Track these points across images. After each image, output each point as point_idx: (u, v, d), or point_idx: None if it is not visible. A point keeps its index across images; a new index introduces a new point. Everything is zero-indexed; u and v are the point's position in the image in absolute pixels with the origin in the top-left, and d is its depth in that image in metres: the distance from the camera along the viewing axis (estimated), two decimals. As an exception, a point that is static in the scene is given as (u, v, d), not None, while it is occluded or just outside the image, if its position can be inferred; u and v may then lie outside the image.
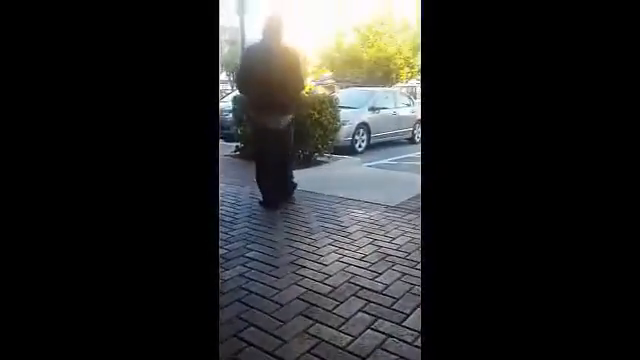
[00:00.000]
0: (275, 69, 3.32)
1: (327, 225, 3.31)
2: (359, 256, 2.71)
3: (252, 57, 3.51)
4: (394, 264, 2.58)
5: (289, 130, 3.59)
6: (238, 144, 6.48)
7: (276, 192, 3.66)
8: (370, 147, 7.72)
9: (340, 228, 3.24)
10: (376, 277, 2.41)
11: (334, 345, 1.76)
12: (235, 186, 4.52)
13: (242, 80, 3.59)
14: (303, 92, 3.82)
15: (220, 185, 4.55)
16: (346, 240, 2.99)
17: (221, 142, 7.24)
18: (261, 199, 3.74)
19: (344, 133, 6.89)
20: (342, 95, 7.70)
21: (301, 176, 5.15)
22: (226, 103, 8.60)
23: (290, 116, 3.54)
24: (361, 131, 7.62)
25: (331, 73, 22.14)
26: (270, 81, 3.29)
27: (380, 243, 2.94)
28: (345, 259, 2.65)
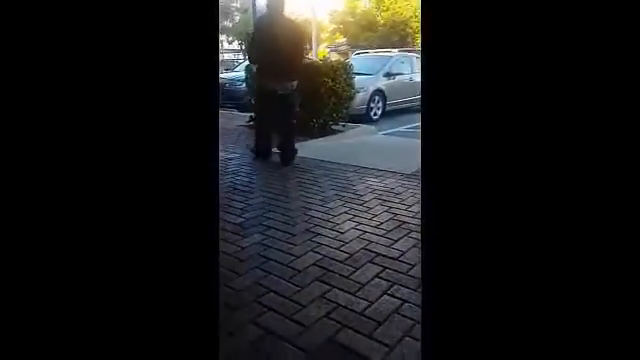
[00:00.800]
0: (280, 39, 3.71)
1: (342, 194, 3.31)
2: (375, 224, 2.72)
3: (260, 27, 3.95)
4: (410, 231, 2.59)
5: (294, 94, 4.02)
6: (252, 114, 6.45)
7: (271, 146, 4.24)
8: (386, 114, 7.59)
9: (355, 196, 3.24)
10: (392, 244, 2.43)
11: (351, 310, 1.80)
12: (251, 157, 4.54)
13: (252, 50, 4.09)
14: (305, 60, 4.26)
15: (235, 155, 4.58)
16: (361, 208, 3.00)
17: (235, 112, 7.23)
18: (252, 148, 4.35)
19: (359, 101, 6.77)
20: (356, 61, 7.51)
21: (315, 145, 5.13)
22: (239, 73, 8.51)
23: (295, 82, 3.97)
24: (376, 98, 7.47)
25: (345, 39, 21.54)
26: (276, 50, 3.71)
27: (396, 211, 2.94)
28: (361, 227, 2.67)
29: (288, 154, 4.11)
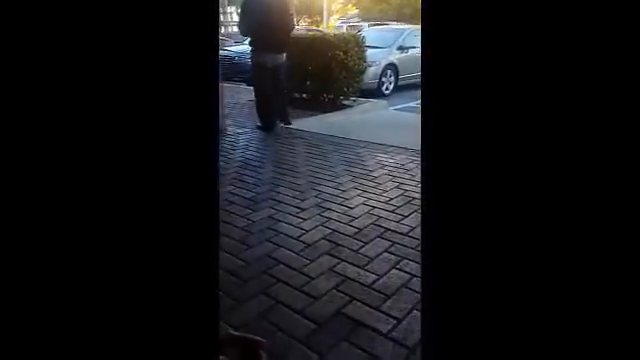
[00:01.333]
0: (268, 13, 3.96)
1: (352, 169, 3.30)
2: (384, 199, 2.72)
3: (250, 3, 4.09)
4: (420, 207, 2.58)
5: (283, 65, 4.30)
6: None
7: (274, 117, 4.45)
8: (398, 89, 7.44)
9: (365, 172, 3.23)
10: (401, 220, 2.43)
11: (359, 283, 1.82)
12: (260, 131, 4.52)
13: (242, 22, 4.25)
14: (292, 34, 4.50)
15: (245, 130, 4.56)
16: (371, 184, 2.99)
17: (242, 86, 7.16)
18: (259, 124, 4.51)
19: (370, 75, 6.64)
20: (369, 34, 7.31)
21: (326, 120, 5.07)
22: (246, 46, 8.34)
23: (284, 54, 4.27)
24: (388, 72, 7.30)
25: (357, 11, 20.95)
26: (265, 23, 3.96)
27: (406, 187, 2.92)
28: (370, 202, 2.67)
29: (286, 118, 4.55)
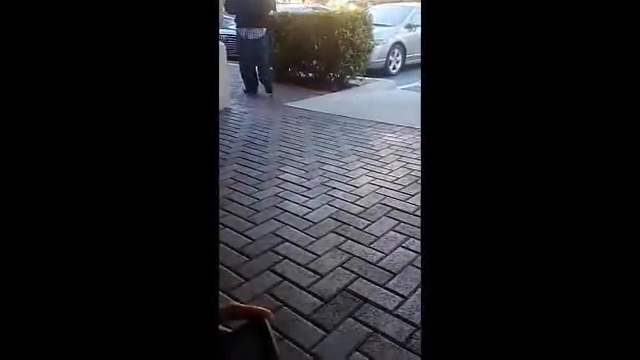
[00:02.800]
0: None
1: (359, 149, 3.27)
2: (391, 179, 2.69)
3: None
4: (427, 187, 2.56)
5: (263, 39, 5.07)
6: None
7: (255, 83, 5.27)
8: (405, 68, 7.31)
9: (372, 151, 3.20)
10: (408, 199, 2.41)
11: (365, 260, 1.82)
12: (266, 110, 4.48)
13: (227, 2, 5.07)
14: (272, 11, 5.38)
15: (250, 109, 4.53)
16: (378, 163, 2.96)
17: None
18: (244, 88, 5.30)
19: (377, 53, 6.51)
20: (376, 12, 7.14)
21: (332, 99, 5.01)
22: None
23: (264, 29, 5.03)
24: (396, 51, 7.16)
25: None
26: (247, 3, 4.82)
27: (413, 166, 2.90)
28: (377, 182, 2.65)
29: (268, 85, 5.20)
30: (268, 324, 0.40)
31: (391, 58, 7.09)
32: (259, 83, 5.26)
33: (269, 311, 0.41)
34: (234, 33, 8.12)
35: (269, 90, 5.21)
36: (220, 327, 0.40)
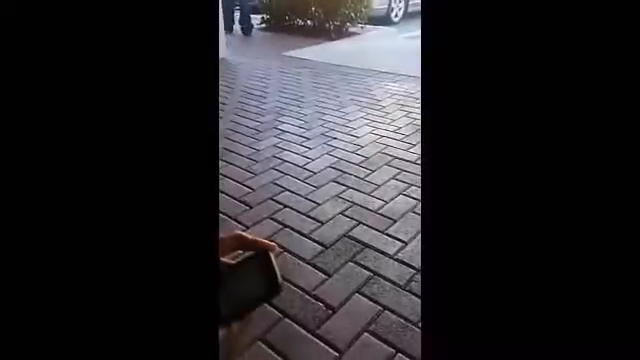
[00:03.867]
0: None
1: (359, 98, 3.18)
2: (392, 128, 2.64)
3: None
4: (429, 136, 2.51)
5: None
6: (264, 15, 6.05)
7: (233, 23, 5.77)
8: (408, 16, 6.99)
9: (373, 101, 3.12)
10: (410, 148, 2.37)
11: (366, 208, 1.82)
12: (264, 59, 4.33)
13: None
14: None
15: (246, 60, 4.37)
16: (379, 113, 2.89)
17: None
18: (240, 31, 5.72)
19: (379, 0, 6.20)
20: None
21: (331, 48, 4.82)
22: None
23: None
24: (398, -2, 6.82)
25: None
26: None
27: (415, 115, 2.83)
28: (378, 131, 2.60)
29: (245, 28, 5.64)
30: (272, 257, 0.39)
31: (393, 5, 6.76)
32: (236, 25, 5.69)
33: (274, 244, 0.40)
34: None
35: (247, 34, 5.67)
36: (223, 259, 0.39)
